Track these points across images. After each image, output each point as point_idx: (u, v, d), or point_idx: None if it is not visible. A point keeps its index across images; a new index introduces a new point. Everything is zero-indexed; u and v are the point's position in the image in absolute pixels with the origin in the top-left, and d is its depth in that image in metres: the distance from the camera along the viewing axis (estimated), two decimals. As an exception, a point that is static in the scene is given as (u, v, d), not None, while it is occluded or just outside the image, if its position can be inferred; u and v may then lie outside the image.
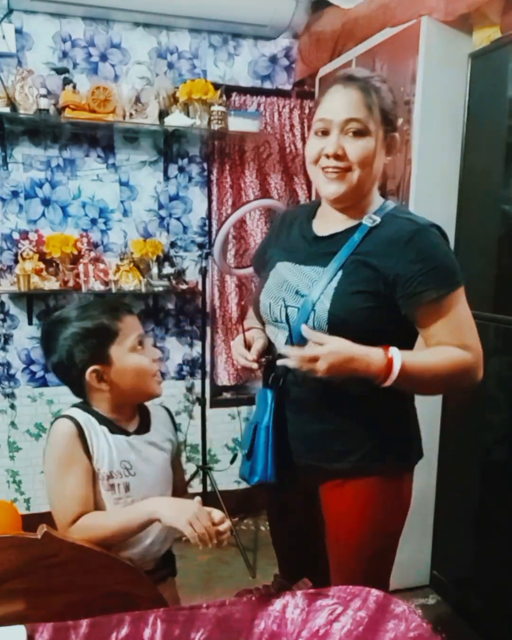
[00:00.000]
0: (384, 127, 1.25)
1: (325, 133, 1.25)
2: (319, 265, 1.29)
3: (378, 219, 1.27)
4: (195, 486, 2.88)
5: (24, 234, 2.60)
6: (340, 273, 1.25)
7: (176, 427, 1.42)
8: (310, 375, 1.19)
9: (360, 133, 1.22)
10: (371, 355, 1.17)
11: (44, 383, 2.75)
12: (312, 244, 1.34)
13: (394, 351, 1.18)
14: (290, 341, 1.26)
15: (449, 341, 1.22)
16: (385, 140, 1.27)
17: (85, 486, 1.19)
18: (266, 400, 1.33)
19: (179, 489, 1.38)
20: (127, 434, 1.26)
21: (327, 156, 1.24)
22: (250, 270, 2.15)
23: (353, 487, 1.31)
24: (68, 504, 1.17)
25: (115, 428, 1.25)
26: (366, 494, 1.32)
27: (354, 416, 1.30)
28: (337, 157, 1.23)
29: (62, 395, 2.72)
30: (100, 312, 1.23)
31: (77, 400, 1.30)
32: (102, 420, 1.24)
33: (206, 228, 2.87)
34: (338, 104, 1.23)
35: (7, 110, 2.40)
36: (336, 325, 1.24)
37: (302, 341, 1.24)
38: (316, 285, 1.27)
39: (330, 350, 1.15)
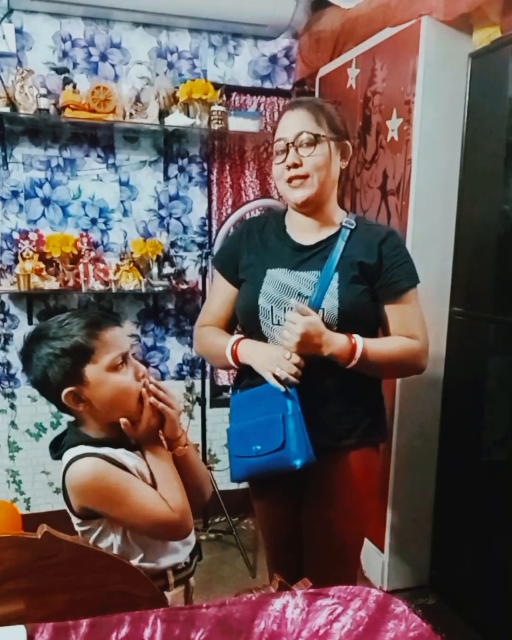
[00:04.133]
0: (335, 135, 1.43)
1: (285, 151, 1.42)
2: (315, 269, 1.44)
3: (354, 223, 1.47)
4: (195, 486, 2.89)
5: (24, 234, 2.60)
6: (337, 274, 1.41)
7: None
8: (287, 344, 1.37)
9: (311, 142, 1.40)
10: (336, 339, 1.37)
11: (44, 383, 2.75)
12: (299, 252, 1.48)
13: (357, 338, 1.39)
14: None
15: (403, 332, 1.44)
16: (338, 148, 1.45)
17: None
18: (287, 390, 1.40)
19: None
20: (132, 450, 1.22)
21: (288, 167, 1.41)
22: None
23: (354, 459, 1.49)
24: (158, 505, 1.14)
25: (128, 446, 1.21)
26: (363, 463, 1.51)
27: (356, 399, 1.49)
28: (295, 166, 1.41)
29: (62, 395, 2.72)
30: (79, 329, 1.14)
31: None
32: (110, 443, 1.17)
33: (206, 228, 2.87)
34: (289, 123, 1.43)
35: (7, 110, 2.41)
36: (346, 320, 1.41)
37: None
38: (317, 286, 1.41)
39: (309, 320, 1.34)
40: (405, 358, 1.45)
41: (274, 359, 1.39)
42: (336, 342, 1.37)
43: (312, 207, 1.46)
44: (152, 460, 1.20)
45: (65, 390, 1.14)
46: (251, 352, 1.46)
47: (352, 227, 1.46)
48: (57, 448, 1.22)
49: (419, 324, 1.47)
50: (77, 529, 1.19)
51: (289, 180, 1.42)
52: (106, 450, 1.15)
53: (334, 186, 1.48)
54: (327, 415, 1.46)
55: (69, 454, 1.15)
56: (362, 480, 1.52)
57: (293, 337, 1.34)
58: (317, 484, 1.51)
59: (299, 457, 1.37)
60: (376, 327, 1.49)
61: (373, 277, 1.43)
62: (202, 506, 1.25)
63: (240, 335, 1.52)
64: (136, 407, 1.18)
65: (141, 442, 1.22)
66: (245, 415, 1.49)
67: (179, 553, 1.25)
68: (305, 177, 1.41)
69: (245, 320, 1.53)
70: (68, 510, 1.18)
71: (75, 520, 1.19)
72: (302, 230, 1.50)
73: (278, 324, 1.44)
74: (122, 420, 1.16)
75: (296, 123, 1.41)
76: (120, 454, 1.17)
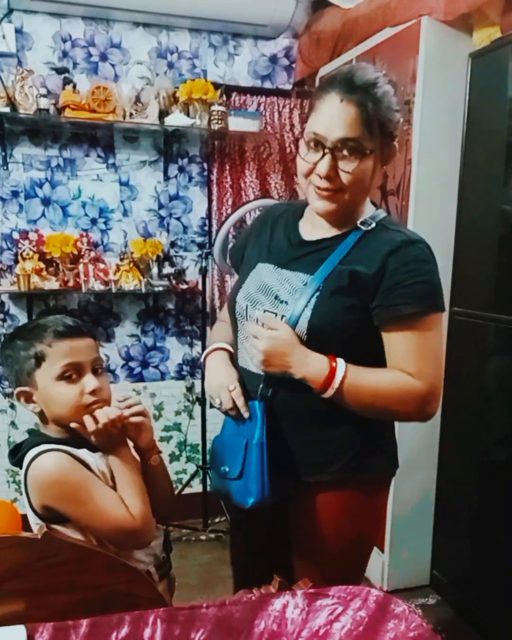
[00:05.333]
0: (383, 140, 1.15)
1: (317, 145, 1.14)
2: (304, 271, 1.21)
3: (373, 224, 1.21)
4: (195, 486, 2.88)
5: (24, 234, 2.60)
6: (325, 283, 1.18)
7: None
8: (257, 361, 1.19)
9: (355, 151, 1.12)
10: (312, 359, 1.15)
11: (44, 383, 2.75)
12: (297, 248, 1.26)
13: (339, 362, 1.14)
14: None
15: (404, 366, 1.15)
16: (383, 152, 1.17)
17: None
18: (256, 414, 1.23)
19: None
20: (94, 451, 1.21)
21: (319, 176, 1.15)
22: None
23: (331, 499, 1.25)
24: (118, 509, 1.13)
25: (90, 447, 1.19)
26: (343, 507, 1.25)
27: (334, 426, 1.23)
28: (328, 178, 1.14)
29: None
30: (41, 334, 1.17)
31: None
32: (71, 444, 1.17)
33: (206, 228, 2.87)
34: (333, 120, 1.11)
35: (7, 110, 2.40)
36: (316, 336, 1.18)
37: None
38: (299, 293, 1.19)
39: (274, 335, 1.15)
40: (396, 398, 1.16)
41: (217, 389, 1.27)
42: (311, 364, 1.14)
43: (336, 216, 1.22)
44: (115, 464, 1.19)
45: (17, 389, 1.20)
46: (208, 371, 1.34)
47: (368, 228, 1.21)
48: (17, 455, 1.22)
49: (427, 360, 1.15)
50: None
51: (316, 188, 1.18)
52: (69, 449, 1.15)
53: (368, 192, 1.23)
54: (292, 443, 1.24)
55: (31, 453, 1.16)
56: (340, 528, 1.25)
57: (257, 354, 1.16)
58: (292, 527, 1.32)
59: (252, 495, 1.19)
60: (363, 352, 1.18)
61: (368, 292, 1.16)
62: (169, 517, 1.24)
63: (220, 344, 1.38)
64: (80, 420, 1.16)
65: (99, 447, 1.19)
66: (228, 426, 1.35)
67: (149, 548, 1.24)
68: (337, 191, 1.16)
69: (230, 319, 1.38)
70: (31, 513, 1.16)
71: (38, 525, 1.14)
72: (314, 225, 1.27)
73: None
74: (73, 425, 1.17)
75: (341, 124, 1.10)
76: (83, 454, 1.17)
